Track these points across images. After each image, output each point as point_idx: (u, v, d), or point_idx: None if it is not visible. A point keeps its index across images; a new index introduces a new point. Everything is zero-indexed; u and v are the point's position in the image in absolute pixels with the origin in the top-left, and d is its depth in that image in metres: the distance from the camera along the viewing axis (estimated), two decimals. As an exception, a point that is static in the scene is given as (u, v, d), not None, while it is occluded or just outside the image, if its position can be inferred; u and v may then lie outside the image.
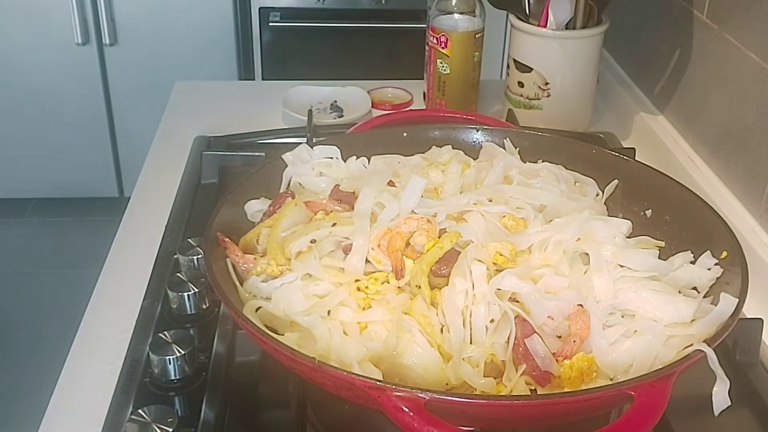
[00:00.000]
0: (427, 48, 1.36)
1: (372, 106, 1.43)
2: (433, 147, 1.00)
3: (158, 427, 0.73)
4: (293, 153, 0.95)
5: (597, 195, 0.95)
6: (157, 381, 0.81)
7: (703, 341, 0.69)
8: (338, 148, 0.96)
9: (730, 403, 0.68)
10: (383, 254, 0.80)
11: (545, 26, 1.29)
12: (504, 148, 0.99)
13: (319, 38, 2.61)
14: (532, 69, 1.31)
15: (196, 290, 0.89)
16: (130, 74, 2.67)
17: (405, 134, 1.01)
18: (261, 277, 0.80)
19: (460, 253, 0.78)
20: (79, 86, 2.67)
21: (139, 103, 2.69)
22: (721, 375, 0.68)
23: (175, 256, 0.97)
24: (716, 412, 0.68)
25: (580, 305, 0.75)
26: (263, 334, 0.70)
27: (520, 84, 1.33)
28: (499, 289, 0.74)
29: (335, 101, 1.45)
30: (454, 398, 0.64)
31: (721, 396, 0.68)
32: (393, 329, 0.73)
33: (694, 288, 0.80)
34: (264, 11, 2.54)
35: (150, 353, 0.81)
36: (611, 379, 0.71)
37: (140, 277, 0.97)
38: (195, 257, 0.95)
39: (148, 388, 0.81)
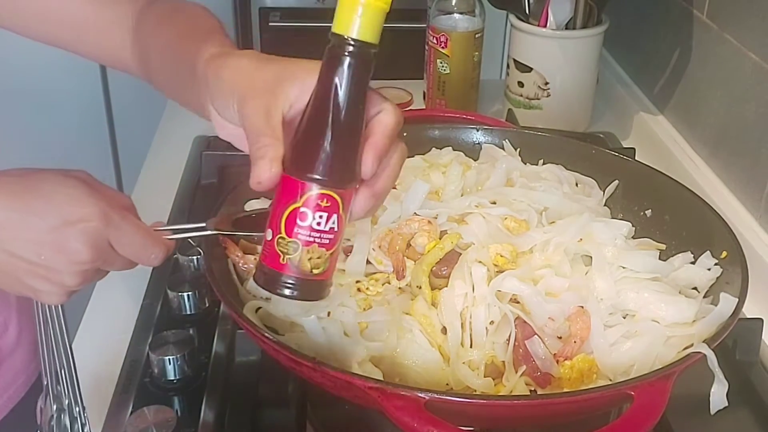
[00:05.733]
0: (427, 48, 1.36)
1: (372, 106, 1.43)
2: (433, 149, 0.99)
3: (158, 427, 0.73)
4: (293, 153, 0.95)
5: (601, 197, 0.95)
6: (157, 381, 0.81)
7: (703, 341, 0.69)
8: (338, 148, 0.96)
9: (727, 404, 0.68)
10: (384, 255, 0.80)
11: (545, 26, 1.29)
12: (503, 149, 0.99)
13: (319, 38, 2.59)
14: (532, 69, 1.31)
15: (196, 290, 0.89)
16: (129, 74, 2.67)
17: (405, 134, 1.01)
18: (261, 278, 0.80)
19: (461, 254, 0.78)
20: (79, 86, 2.67)
21: (139, 103, 2.68)
22: (719, 376, 0.68)
23: (175, 256, 0.97)
24: (712, 411, 0.68)
25: (581, 306, 0.75)
26: (263, 334, 0.70)
27: (520, 84, 1.33)
28: (499, 291, 0.75)
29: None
30: (454, 398, 0.64)
31: (718, 396, 0.68)
32: (393, 329, 0.73)
33: (694, 288, 0.80)
34: (264, 11, 2.54)
35: (150, 353, 0.81)
36: (611, 381, 0.71)
37: (140, 277, 0.97)
38: (195, 257, 0.95)
39: (148, 388, 0.81)
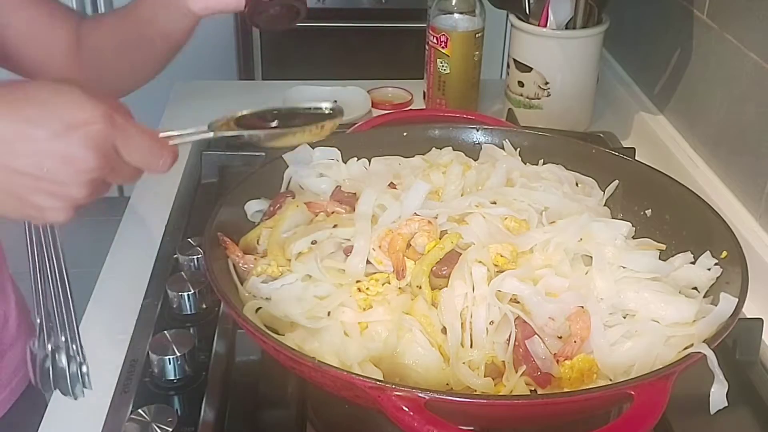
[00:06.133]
0: (427, 48, 1.36)
1: (372, 106, 1.43)
2: (433, 149, 1.00)
3: (158, 427, 0.73)
4: (294, 153, 0.95)
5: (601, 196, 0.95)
6: (157, 381, 0.81)
7: (703, 341, 0.69)
8: (338, 149, 0.96)
9: (726, 404, 0.68)
10: (384, 255, 0.80)
11: (545, 26, 1.29)
12: (503, 149, 0.99)
13: (319, 38, 2.60)
14: (532, 69, 1.31)
15: (196, 290, 0.89)
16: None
17: (405, 134, 1.01)
18: (261, 278, 0.80)
19: (461, 254, 0.78)
20: (79, 86, 2.67)
21: (139, 103, 2.68)
22: (719, 376, 0.67)
23: (175, 256, 0.97)
24: (712, 411, 0.68)
25: (581, 306, 0.75)
26: (263, 334, 0.70)
27: (520, 83, 1.33)
28: (499, 291, 0.74)
29: (335, 101, 1.45)
30: (454, 398, 0.64)
31: (718, 396, 0.68)
32: (394, 329, 0.73)
33: (695, 288, 0.80)
34: (264, 11, 2.54)
35: (150, 353, 0.81)
36: (611, 381, 0.71)
37: (140, 277, 0.97)
38: (195, 257, 0.95)
39: (148, 387, 0.81)
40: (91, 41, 0.94)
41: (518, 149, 0.99)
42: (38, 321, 0.65)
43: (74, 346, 0.66)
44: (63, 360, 0.66)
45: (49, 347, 0.66)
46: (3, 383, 0.97)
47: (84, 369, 0.67)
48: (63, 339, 0.65)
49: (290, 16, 0.76)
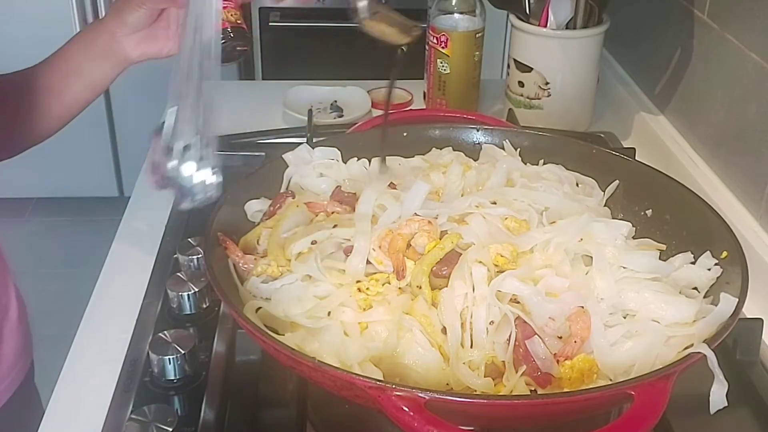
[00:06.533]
0: (427, 48, 1.36)
1: (372, 106, 1.43)
2: (433, 149, 1.00)
3: (158, 427, 0.73)
4: (294, 153, 0.95)
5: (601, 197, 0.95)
6: (157, 380, 0.81)
7: (704, 341, 0.69)
8: (338, 149, 0.96)
9: (726, 404, 0.68)
10: (384, 255, 0.80)
11: (545, 26, 1.29)
12: (504, 149, 1.00)
13: (319, 38, 2.60)
14: (532, 69, 1.31)
15: (196, 290, 0.89)
16: (130, 74, 2.66)
17: (405, 134, 1.01)
18: (261, 278, 0.80)
19: (461, 254, 0.78)
20: (79, 86, 2.67)
21: (139, 103, 2.69)
22: (719, 377, 0.67)
23: (175, 256, 0.97)
24: (712, 411, 0.68)
25: (581, 306, 0.75)
26: (263, 334, 0.70)
27: (521, 84, 1.33)
28: (499, 291, 0.74)
29: (335, 101, 1.46)
30: (454, 398, 0.64)
31: (718, 396, 0.68)
32: (394, 329, 0.73)
33: (695, 288, 0.80)
34: (264, 11, 2.54)
35: (150, 353, 0.81)
36: (611, 381, 0.71)
37: (140, 277, 0.97)
38: (195, 257, 0.95)
39: (148, 387, 0.81)
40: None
41: (518, 149, 0.99)
42: (173, 109, 0.57)
43: (210, 149, 0.57)
44: (192, 160, 0.57)
45: (182, 143, 0.57)
46: (2, 374, 0.97)
47: (215, 178, 0.58)
48: (197, 136, 0.57)
49: (241, 52, 0.92)
